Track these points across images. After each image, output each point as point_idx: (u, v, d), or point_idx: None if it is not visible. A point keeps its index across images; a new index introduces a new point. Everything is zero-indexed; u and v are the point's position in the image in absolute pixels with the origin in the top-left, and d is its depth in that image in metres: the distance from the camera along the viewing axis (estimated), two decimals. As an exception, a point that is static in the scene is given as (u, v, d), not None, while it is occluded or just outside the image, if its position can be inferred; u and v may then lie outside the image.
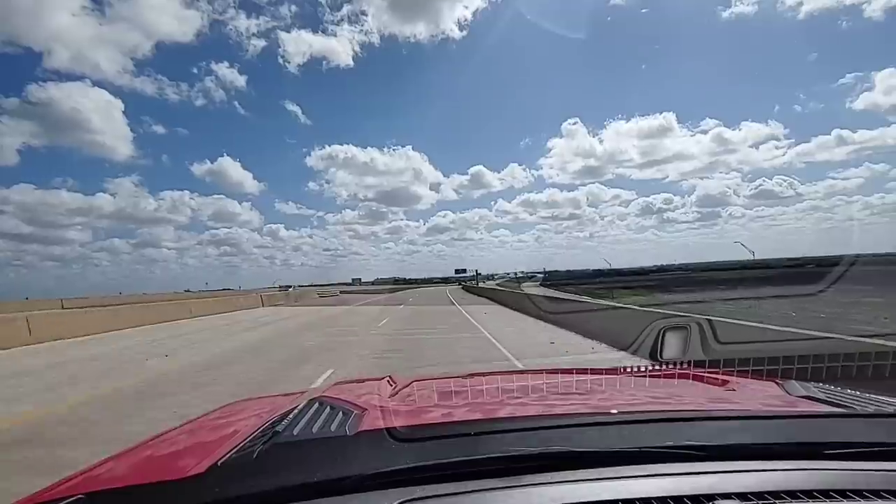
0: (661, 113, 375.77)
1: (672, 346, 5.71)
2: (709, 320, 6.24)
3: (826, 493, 0.72)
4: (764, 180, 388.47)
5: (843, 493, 0.72)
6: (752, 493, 0.71)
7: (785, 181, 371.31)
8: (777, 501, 0.70)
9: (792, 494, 0.71)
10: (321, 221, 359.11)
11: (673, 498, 0.70)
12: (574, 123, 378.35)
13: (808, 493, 0.72)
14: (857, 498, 0.71)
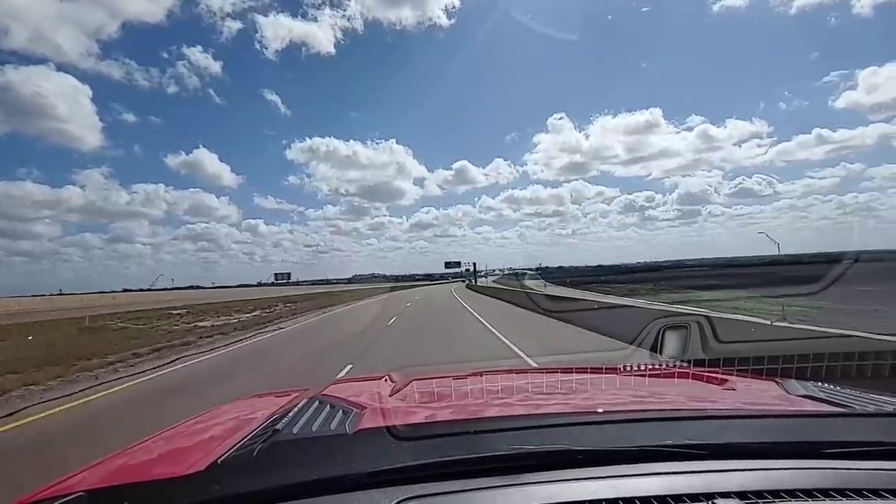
0: (647, 109, 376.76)
1: (672, 345, 5.72)
2: (708, 319, 6.24)
3: (825, 492, 0.72)
4: (744, 179, 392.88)
5: (842, 493, 0.72)
6: (751, 492, 0.71)
7: (764, 180, 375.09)
8: (776, 500, 0.70)
9: (791, 493, 0.71)
10: (302, 217, 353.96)
11: (672, 496, 0.70)
12: (560, 118, 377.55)
13: (808, 493, 0.72)
14: (857, 497, 0.71)
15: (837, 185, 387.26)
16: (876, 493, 0.72)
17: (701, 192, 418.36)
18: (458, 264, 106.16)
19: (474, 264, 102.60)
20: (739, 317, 8.86)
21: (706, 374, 1.69)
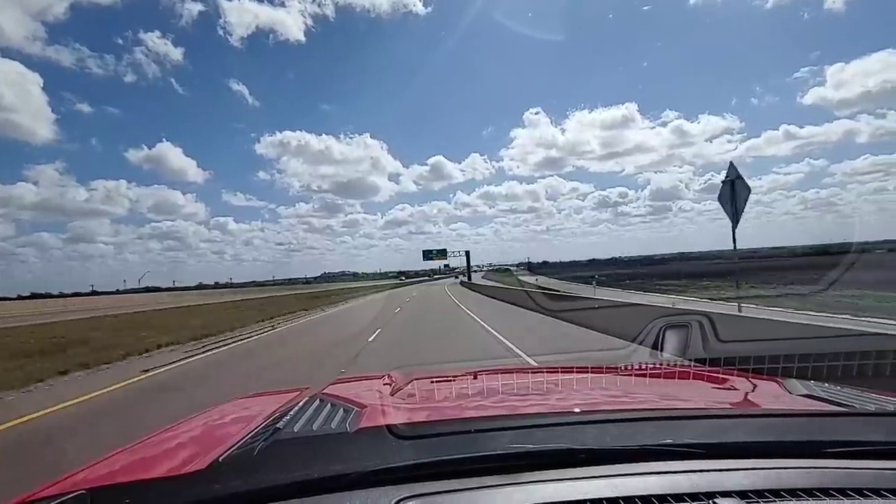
0: (624, 103, 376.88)
1: (672, 344, 5.71)
2: (709, 317, 6.23)
3: (826, 492, 0.72)
4: (713, 175, 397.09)
5: (843, 492, 0.72)
6: (751, 491, 0.71)
7: None
8: (777, 500, 0.70)
9: (792, 493, 0.71)
10: (273, 214, 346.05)
11: (672, 496, 0.70)
12: (537, 113, 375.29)
13: (809, 492, 0.72)
14: (858, 496, 0.71)
15: (801, 180, 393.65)
16: (877, 492, 0.72)
17: (672, 188, 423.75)
18: (442, 253, 70.92)
19: (467, 253, 70.17)
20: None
21: (707, 373, 1.69)
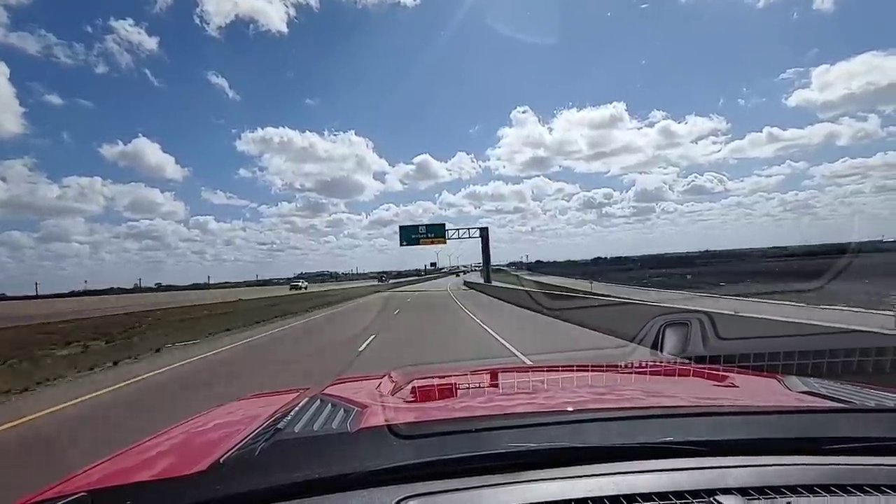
0: (612, 103, 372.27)
1: (672, 342, 5.73)
2: (709, 315, 6.24)
3: (827, 488, 0.72)
4: (696, 176, 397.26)
5: (843, 488, 0.72)
6: (752, 488, 0.71)
7: (716, 177, 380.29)
8: (777, 496, 0.70)
9: (792, 489, 0.71)
10: (255, 213, 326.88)
11: (673, 493, 0.71)
12: (524, 111, 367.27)
13: (809, 488, 0.72)
14: (858, 492, 0.71)
15: (781, 182, 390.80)
16: (877, 488, 0.72)
17: (656, 190, 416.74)
18: (438, 230, 47.48)
19: (484, 231, 48.52)
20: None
21: (707, 370, 1.69)
